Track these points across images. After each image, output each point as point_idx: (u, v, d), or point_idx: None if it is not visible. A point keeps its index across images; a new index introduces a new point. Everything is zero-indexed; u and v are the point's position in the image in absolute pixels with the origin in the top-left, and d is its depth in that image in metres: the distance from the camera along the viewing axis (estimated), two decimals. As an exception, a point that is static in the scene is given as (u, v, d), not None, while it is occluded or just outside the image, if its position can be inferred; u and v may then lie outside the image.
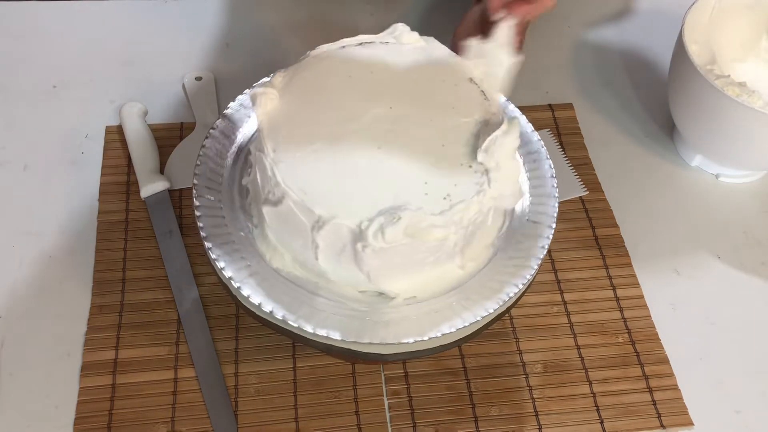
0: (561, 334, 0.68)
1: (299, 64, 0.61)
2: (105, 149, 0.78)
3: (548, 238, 0.60)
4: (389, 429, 0.63)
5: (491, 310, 0.56)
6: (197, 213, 0.60)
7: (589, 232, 0.75)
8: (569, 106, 0.85)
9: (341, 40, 0.63)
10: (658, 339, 0.68)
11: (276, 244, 0.58)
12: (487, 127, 0.57)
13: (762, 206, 0.79)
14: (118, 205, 0.74)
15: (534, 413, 0.64)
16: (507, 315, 0.64)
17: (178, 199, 0.75)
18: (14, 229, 0.72)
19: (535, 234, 0.60)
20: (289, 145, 0.56)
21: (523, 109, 0.69)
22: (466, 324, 0.55)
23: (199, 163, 0.62)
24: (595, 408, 0.64)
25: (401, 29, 0.64)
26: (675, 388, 0.66)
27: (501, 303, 0.56)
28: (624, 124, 0.85)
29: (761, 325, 0.71)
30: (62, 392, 0.63)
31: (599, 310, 0.70)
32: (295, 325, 0.55)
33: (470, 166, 0.55)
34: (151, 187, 0.74)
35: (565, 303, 0.70)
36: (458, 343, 0.58)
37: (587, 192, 0.78)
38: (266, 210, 0.57)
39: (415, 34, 0.63)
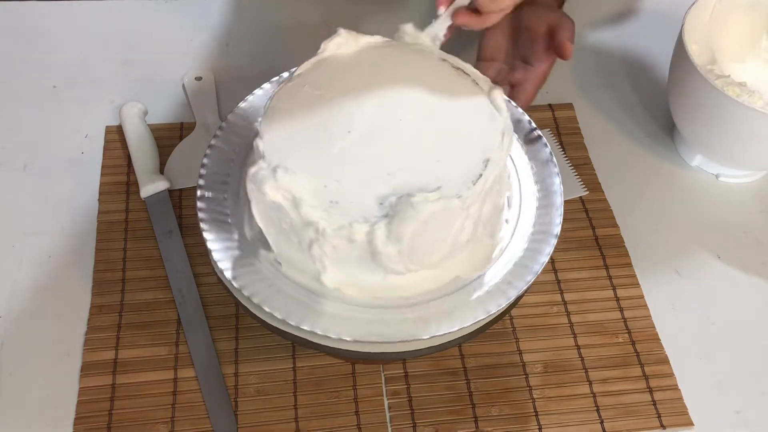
0: (561, 334, 0.68)
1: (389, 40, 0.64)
2: (105, 149, 0.78)
3: (548, 255, 0.60)
4: (389, 429, 0.63)
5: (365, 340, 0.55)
6: (199, 204, 0.60)
7: (589, 232, 0.75)
8: (569, 106, 0.85)
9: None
10: (658, 339, 0.68)
11: None
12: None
13: (762, 206, 0.79)
14: (118, 205, 0.74)
15: (534, 413, 0.64)
16: (507, 315, 0.64)
17: (178, 199, 0.75)
18: (14, 229, 0.72)
19: (536, 245, 0.60)
20: (297, 89, 0.59)
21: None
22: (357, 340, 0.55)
23: (205, 161, 0.63)
24: (595, 408, 0.64)
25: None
26: (675, 388, 0.66)
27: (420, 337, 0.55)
28: (624, 124, 0.85)
29: (761, 325, 0.71)
30: (62, 392, 0.63)
31: (599, 310, 0.70)
32: (305, 327, 0.55)
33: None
34: (151, 187, 0.74)
35: (565, 303, 0.70)
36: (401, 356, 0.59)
37: (587, 192, 0.78)
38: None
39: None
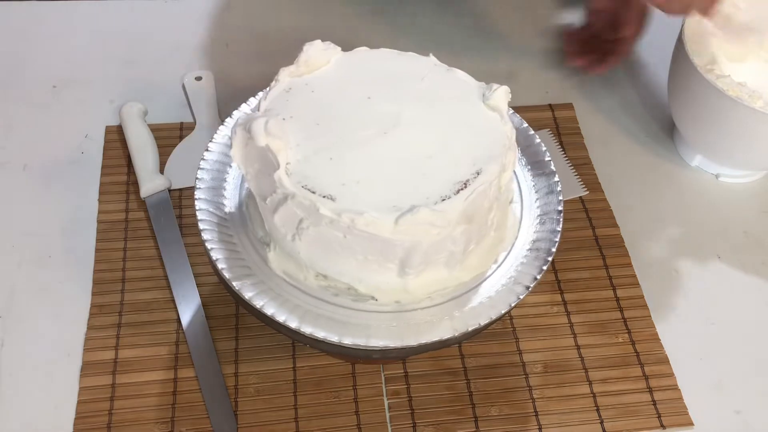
0: (561, 334, 0.68)
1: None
2: (105, 149, 0.78)
3: (548, 259, 0.60)
4: (389, 429, 0.63)
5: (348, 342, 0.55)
6: (198, 204, 0.60)
7: (589, 232, 0.75)
8: (569, 106, 0.85)
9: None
10: (658, 339, 0.68)
11: None
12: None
13: (762, 206, 0.79)
14: (118, 205, 0.74)
15: (534, 413, 0.64)
16: (507, 315, 0.64)
17: (178, 199, 0.75)
18: (14, 229, 0.72)
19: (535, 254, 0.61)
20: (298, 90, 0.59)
21: (523, 109, 0.69)
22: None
23: (204, 160, 0.63)
24: (595, 408, 0.64)
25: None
26: (675, 388, 0.66)
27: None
28: (624, 124, 0.85)
29: (761, 325, 0.71)
30: (62, 392, 0.63)
31: (599, 310, 0.70)
32: (293, 327, 0.55)
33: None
34: (151, 186, 0.74)
35: (565, 303, 0.70)
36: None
37: (587, 192, 0.78)
38: None
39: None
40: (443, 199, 0.53)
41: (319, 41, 0.60)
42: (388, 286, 0.56)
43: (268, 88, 0.59)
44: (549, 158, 0.65)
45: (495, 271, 0.60)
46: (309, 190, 0.53)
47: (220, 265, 0.57)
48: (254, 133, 0.53)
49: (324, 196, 0.53)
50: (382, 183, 0.54)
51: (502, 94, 0.59)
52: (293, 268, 0.58)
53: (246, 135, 0.55)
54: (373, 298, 0.57)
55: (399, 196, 0.53)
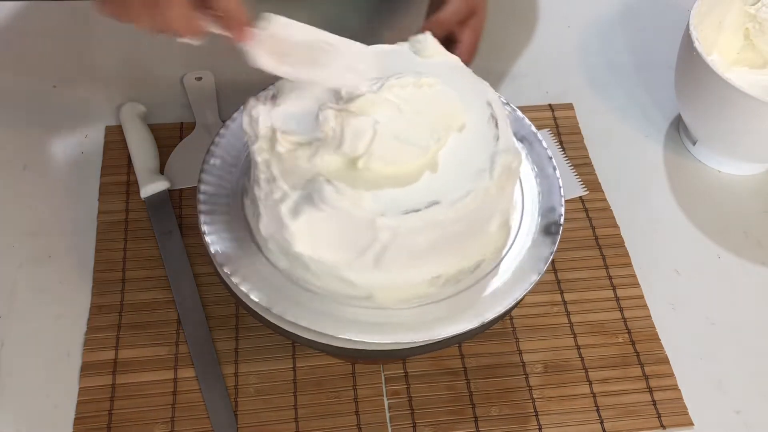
0: (561, 334, 0.68)
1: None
2: (105, 149, 0.78)
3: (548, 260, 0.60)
4: (389, 429, 0.63)
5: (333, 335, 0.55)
6: (200, 206, 0.60)
7: (589, 232, 0.75)
8: (569, 106, 0.85)
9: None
10: (658, 339, 0.68)
11: None
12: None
13: (762, 206, 0.79)
14: (118, 205, 0.74)
15: (534, 413, 0.64)
16: (507, 315, 0.63)
17: (178, 199, 0.75)
18: (14, 229, 0.72)
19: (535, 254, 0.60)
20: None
21: (523, 109, 0.68)
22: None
23: (206, 161, 0.63)
24: (595, 408, 0.64)
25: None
26: (675, 388, 0.66)
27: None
28: (624, 124, 0.85)
29: (761, 325, 0.71)
30: (62, 392, 0.63)
31: (599, 310, 0.70)
32: (292, 321, 0.55)
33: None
34: (151, 187, 0.74)
35: (565, 303, 0.70)
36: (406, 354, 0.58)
37: (587, 192, 0.78)
38: None
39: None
40: (434, 203, 0.53)
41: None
42: (368, 282, 0.56)
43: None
44: (555, 168, 0.64)
45: (487, 277, 0.59)
46: (298, 175, 0.53)
47: (221, 265, 0.57)
48: (251, 112, 0.55)
49: (312, 183, 0.53)
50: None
51: (430, 41, 0.60)
52: (281, 251, 0.57)
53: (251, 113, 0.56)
54: (354, 292, 0.56)
55: (391, 197, 0.53)
